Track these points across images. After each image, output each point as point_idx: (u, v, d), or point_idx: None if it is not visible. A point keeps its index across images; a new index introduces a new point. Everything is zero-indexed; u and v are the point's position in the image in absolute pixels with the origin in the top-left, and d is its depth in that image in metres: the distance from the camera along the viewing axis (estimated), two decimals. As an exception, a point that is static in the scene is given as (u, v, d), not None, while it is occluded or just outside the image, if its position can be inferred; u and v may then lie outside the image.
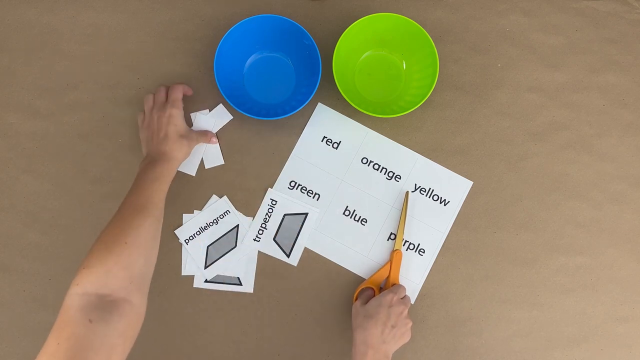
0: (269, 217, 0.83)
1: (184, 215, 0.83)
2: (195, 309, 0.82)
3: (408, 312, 0.77)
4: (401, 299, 0.77)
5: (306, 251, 0.83)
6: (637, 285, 0.84)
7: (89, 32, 0.86)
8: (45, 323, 0.82)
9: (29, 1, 0.86)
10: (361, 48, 0.84)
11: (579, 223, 0.84)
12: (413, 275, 0.83)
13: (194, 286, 0.82)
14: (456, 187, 0.84)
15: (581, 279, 0.84)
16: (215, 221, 0.82)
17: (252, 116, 0.78)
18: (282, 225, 0.82)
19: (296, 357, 0.82)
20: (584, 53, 0.87)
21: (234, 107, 0.78)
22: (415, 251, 0.83)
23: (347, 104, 0.80)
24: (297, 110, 0.79)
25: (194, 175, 0.84)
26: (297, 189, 0.84)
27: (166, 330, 0.82)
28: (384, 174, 0.84)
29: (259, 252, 0.82)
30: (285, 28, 0.80)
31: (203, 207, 0.83)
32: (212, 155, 0.84)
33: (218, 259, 0.82)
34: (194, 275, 0.82)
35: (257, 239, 0.82)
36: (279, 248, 0.82)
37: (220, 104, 0.84)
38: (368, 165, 0.84)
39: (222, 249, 0.82)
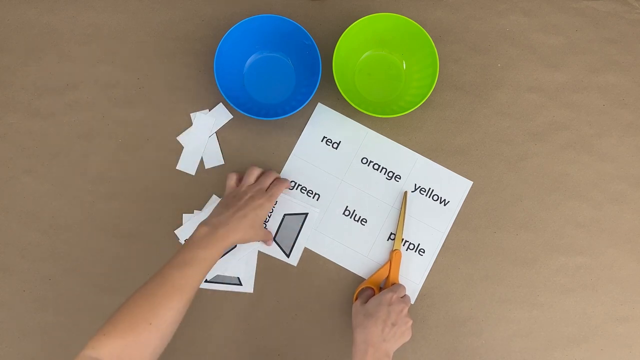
0: (269, 217, 0.83)
1: (184, 215, 0.83)
2: (195, 309, 0.82)
3: (408, 311, 0.77)
4: (401, 297, 0.77)
5: (306, 251, 0.83)
6: (637, 285, 0.84)
7: (89, 32, 0.86)
8: (45, 323, 0.82)
9: (29, 1, 0.86)
10: (361, 48, 0.84)
11: (579, 223, 0.84)
12: (413, 275, 0.83)
13: (194, 286, 0.82)
14: (456, 187, 0.84)
15: (581, 279, 0.84)
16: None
17: (252, 116, 0.78)
18: (282, 225, 0.82)
19: (296, 357, 0.82)
20: (584, 53, 0.87)
21: (234, 107, 0.78)
22: (415, 251, 0.83)
23: (347, 104, 0.80)
24: (297, 110, 0.79)
25: (193, 175, 0.84)
26: (297, 189, 0.84)
27: (166, 330, 0.82)
28: (384, 174, 0.84)
29: (259, 252, 0.82)
30: (285, 28, 0.80)
31: (203, 207, 0.83)
32: (212, 155, 0.84)
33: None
34: (194, 275, 0.82)
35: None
36: (279, 248, 0.82)
37: (220, 104, 0.85)
38: (368, 165, 0.84)
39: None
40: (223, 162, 0.84)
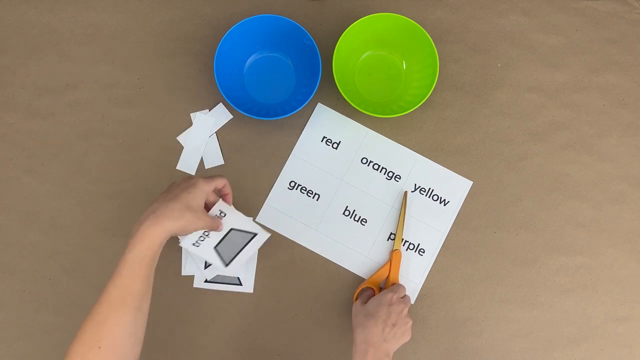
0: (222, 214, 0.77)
1: (184, 215, 0.83)
2: (195, 309, 0.82)
3: (408, 311, 0.77)
4: (401, 298, 0.77)
5: (306, 251, 0.83)
6: (637, 285, 0.84)
7: (89, 32, 0.86)
8: (44, 323, 0.82)
9: (29, 1, 0.86)
10: (361, 48, 0.84)
11: (579, 223, 0.84)
12: (413, 275, 0.83)
13: (194, 286, 0.82)
14: (456, 187, 0.84)
15: (581, 279, 0.84)
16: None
17: (252, 116, 0.78)
18: (226, 237, 0.77)
19: (296, 357, 0.82)
20: (584, 53, 0.87)
21: (234, 107, 0.78)
22: (415, 251, 0.83)
23: (347, 104, 0.80)
24: (297, 110, 0.79)
25: (193, 174, 0.84)
26: (297, 189, 0.84)
27: (166, 330, 0.82)
28: (384, 174, 0.84)
29: (259, 252, 0.82)
30: (285, 28, 0.80)
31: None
32: (212, 155, 0.84)
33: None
34: (194, 275, 0.82)
35: (197, 244, 0.75)
36: (217, 256, 0.77)
37: (220, 104, 0.85)
38: (368, 165, 0.84)
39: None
40: (223, 162, 0.84)
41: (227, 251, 0.79)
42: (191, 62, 0.85)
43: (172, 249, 0.82)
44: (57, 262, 0.82)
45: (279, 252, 0.83)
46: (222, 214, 0.77)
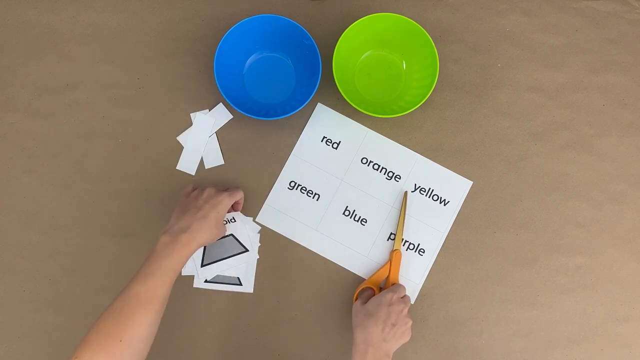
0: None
1: (184, 215, 0.83)
2: (195, 309, 0.82)
3: (408, 311, 0.77)
4: (401, 298, 0.77)
5: (306, 251, 0.83)
6: (637, 285, 0.84)
7: (89, 32, 0.86)
8: (45, 323, 0.82)
9: (29, 1, 0.86)
10: (361, 48, 0.84)
11: (579, 223, 0.84)
12: (413, 275, 0.83)
13: (194, 286, 0.82)
14: (456, 187, 0.84)
15: (581, 279, 0.84)
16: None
17: (252, 116, 0.78)
18: (221, 240, 0.82)
19: (296, 357, 0.82)
20: (584, 53, 0.87)
21: (234, 107, 0.78)
22: (415, 251, 0.83)
23: (347, 104, 0.80)
24: (297, 110, 0.79)
25: (193, 175, 0.84)
26: (297, 189, 0.84)
27: (166, 330, 0.82)
28: (384, 174, 0.84)
29: (259, 252, 0.82)
30: (285, 28, 0.80)
31: (203, 207, 0.83)
32: (212, 155, 0.84)
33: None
34: (193, 275, 0.82)
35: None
36: (202, 252, 0.82)
37: (220, 104, 0.85)
38: (368, 165, 0.84)
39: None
40: (223, 162, 0.84)
41: (213, 252, 0.81)
42: (191, 62, 0.85)
43: (172, 249, 0.82)
44: (57, 262, 0.82)
45: (279, 252, 0.83)
46: (234, 220, 0.80)
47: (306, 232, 0.83)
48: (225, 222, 0.82)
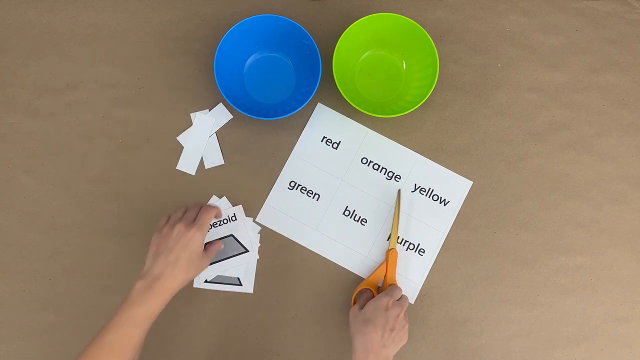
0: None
1: (184, 215, 0.83)
2: (195, 309, 0.82)
3: (405, 313, 0.77)
4: (397, 300, 0.77)
5: (306, 251, 0.83)
6: (637, 285, 0.84)
7: (89, 32, 0.86)
8: (44, 323, 0.82)
9: (29, 1, 0.86)
10: (361, 48, 0.84)
11: (579, 223, 0.84)
12: (413, 275, 0.83)
13: (194, 286, 0.82)
14: (456, 187, 0.84)
15: (581, 279, 0.84)
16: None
17: (252, 116, 0.78)
18: (221, 240, 0.82)
19: (296, 357, 0.82)
20: (584, 53, 0.87)
21: (234, 107, 0.78)
22: (415, 251, 0.83)
23: (347, 104, 0.80)
24: (297, 110, 0.79)
25: (193, 175, 0.84)
26: (297, 189, 0.84)
27: (166, 330, 0.82)
28: (384, 174, 0.84)
29: (259, 252, 0.82)
30: (285, 28, 0.80)
31: (203, 207, 0.83)
32: (212, 155, 0.84)
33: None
34: (194, 275, 0.82)
35: None
36: None
37: (220, 104, 0.85)
38: (368, 165, 0.84)
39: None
40: (223, 162, 0.84)
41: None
42: (191, 62, 0.85)
43: (172, 249, 0.82)
44: (57, 262, 0.82)
45: (279, 252, 0.83)
46: (234, 218, 0.79)
47: (306, 232, 0.83)
48: (210, 228, 0.81)
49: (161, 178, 0.83)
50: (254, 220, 0.83)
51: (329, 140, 0.85)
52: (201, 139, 0.84)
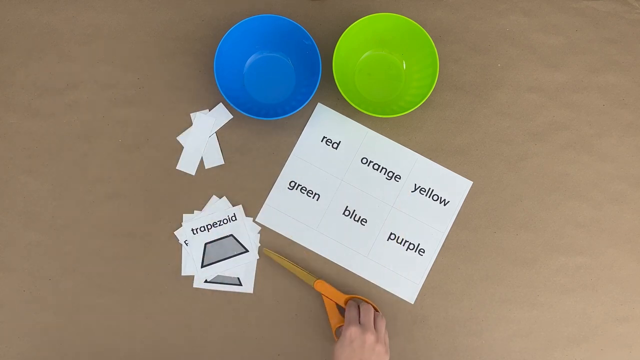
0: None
1: (184, 215, 0.83)
2: (195, 309, 0.82)
3: (385, 329, 0.75)
4: (366, 324, 0.73)
5: (306, 251, 0.83)
6: (637, 285, 0.84)
7: (89, 32, 0.86)
8: (45, 323, 0.82)
9: (29, 1, 0.86)
10: (361, 48, 0.84)
11: (579, 223, 0.84)
12: (413, 275, 0.83)
13: (194, 286, 0.82)
14: (456, 187, 0.84)
15: (581, 279, 0.84)
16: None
17: (252, 116, 0.78)
18: (221, 240, 0.82)
19: (296, 357, 0.82)
20: (584, 53, 0.87)
21: (234, 107, 0.78)
22: (415, 251, 0.83)
23: (347, 104, 0.80)
24: (297, 110, 0.79)
25: (193, 174, 0.84)
26: (297, 189, 0.84)
27: (166, 330, 0.82)
28: (384, 174, 0.84)
29: (259, 252, 0.82)
30: (285, 28, 0.80)
31: (203, 207, 0.83)
32: (212, 155, 0.84)
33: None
34: (193, 276, 0.82)
35: (195, 232, 0.81)
36: (202, 253, 0.82)
37: (220, 104, 0.85)
38: (368, 165, 0.84)
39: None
40: (223, 162, 0.84)
41: (213, 253, 0.81)
42: (191, 62, 0.85)
43: (172, 248, 0.82)
44: (57, 262, 0.82)
45: (279, 252, 0.83)
46: (234, 218, 0.80)
47: (306, 232, 0.83)
48: (210, 228, 0.82)
49: (161, 178, 0.83)
50: (254, 220, 0.83)
51: (329, 140, 0.85)
52: (201, 139, 0.84)
